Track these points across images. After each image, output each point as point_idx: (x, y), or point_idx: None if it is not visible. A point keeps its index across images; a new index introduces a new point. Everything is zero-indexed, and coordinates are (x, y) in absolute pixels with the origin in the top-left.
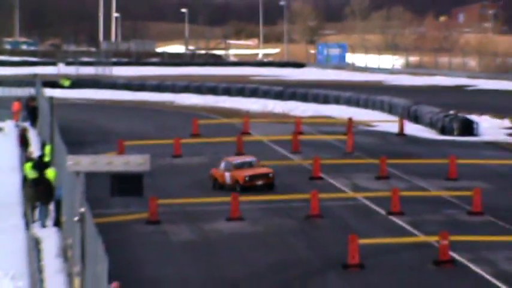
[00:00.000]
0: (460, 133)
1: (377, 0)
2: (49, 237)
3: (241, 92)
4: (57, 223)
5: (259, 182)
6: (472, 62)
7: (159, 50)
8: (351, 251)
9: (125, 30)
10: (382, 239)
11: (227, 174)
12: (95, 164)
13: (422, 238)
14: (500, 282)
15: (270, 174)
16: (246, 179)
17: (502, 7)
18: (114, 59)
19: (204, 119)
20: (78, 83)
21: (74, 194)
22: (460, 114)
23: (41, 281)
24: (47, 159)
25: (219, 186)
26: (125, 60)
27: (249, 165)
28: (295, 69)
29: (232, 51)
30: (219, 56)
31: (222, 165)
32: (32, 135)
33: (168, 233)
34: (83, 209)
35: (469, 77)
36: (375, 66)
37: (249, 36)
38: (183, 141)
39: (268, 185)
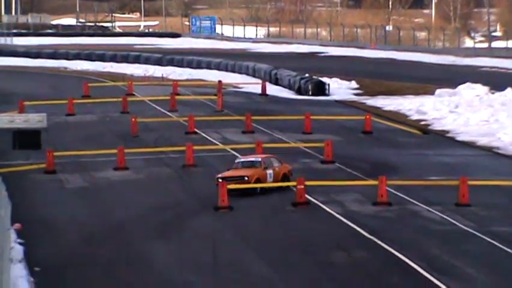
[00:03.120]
0: (314, 93)
1: None
2: None
3: (125, 59)
4: None
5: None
6: (324, 32)
7: (53, 22)
8: (221, 195)
9: (24, 5)
10: (247, 184)
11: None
12: None
13: (281, 183)
14: (347, 220)
15: (245, 178)
16: (219, 180)
17: None
18: (15, 31)
19: (93, 82)
20: None
21: None
22: (314, 77)
23: None
24: None
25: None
26: (24, 31)
27: (247, 165)
28: (172, 39)
29: (117, 24)
30: (106, 28)
31: None
32: None
33: (63, 180)
34: None
35: (321, 45)
36: (241, 36)
37: (132, 10)
38: (76, 101)
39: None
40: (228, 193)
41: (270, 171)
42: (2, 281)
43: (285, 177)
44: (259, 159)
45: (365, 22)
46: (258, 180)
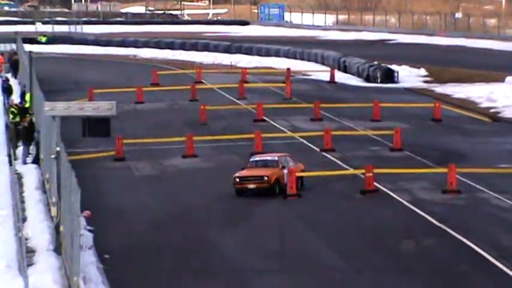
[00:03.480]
0: (382, 81)
1: None
2: (29, 173)
3: (194, 47)
4: (37, 160)
5: (251, 186)
6: (393, 20)
7: (123, 10)
8: (290, 182)
9: None
10: (316, 172)
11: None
12: (69, 109)
13: (351, 171)
14: (416, 207)
15: (265, 178)
16: (237, 180)
17: None
18: (85, 19)
19: (162, 70)
20: (53, 39)
21: (51, 135)
22: (382, 65)
23: (23, 210)
24: (27, 105)
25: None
26: (94, 19)
27: (263, 164)
28: (240, 27)
29: (186, 12)
30: (175, 16)
31: None
32: (14, 85)
33: (132, 168)
34: (58, 148)
35: (390, 32)
36: (310, 23)
37: None
38: (145, 89)
39: (261, 190)
40: (245, 193)
41: (286, 171)
42: (72, 268)
43: (300, 178)
44: (276, 158)
45: (434, 9)
46: (277, 181)
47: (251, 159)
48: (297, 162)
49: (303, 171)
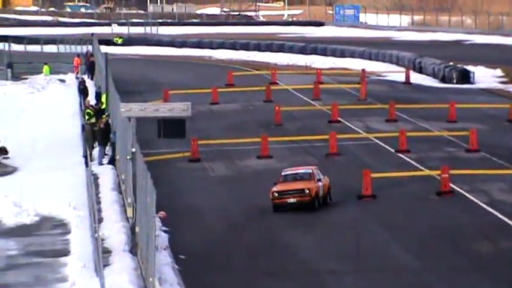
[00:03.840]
0: (458, 81)
1: None
2: (105, 174)
3: (269, 48)
4: (112, 161)
5: (291, 200)
6: (469, 20)
7: (198, 12)
8: (365, 183)
9: None
10: (392, 173)
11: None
12: (144, 110)
13: (426, 172)
14: (493, 209)
15: (306, 191)
16: (275, 195)
17: None
18: (160, 20)
19: (237, 71)
20: (129, 40)
21: (127, 136)
22: (458, 65)
23: (99, 210)
24: (103, 106)
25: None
26: (169, 21)
27: (298, 178)
28: (315, 28)
29: (261, 13)
30: (250, 17)
31: None
32: (90, 86)
33: (207, 169)
34: (134, 149)
35: (466, 33)
36: (385, 24)
37: None
38: (220, 90)
39: (302, 203)
40: (285, 207)
41: (321, 184)
42: (148, 269)
43: (329, 191)
44: (311, 171)
45: (511, 9)
46: (316, 194)
47: (283, 173)
48: (324, 175)
49: (330, 184)
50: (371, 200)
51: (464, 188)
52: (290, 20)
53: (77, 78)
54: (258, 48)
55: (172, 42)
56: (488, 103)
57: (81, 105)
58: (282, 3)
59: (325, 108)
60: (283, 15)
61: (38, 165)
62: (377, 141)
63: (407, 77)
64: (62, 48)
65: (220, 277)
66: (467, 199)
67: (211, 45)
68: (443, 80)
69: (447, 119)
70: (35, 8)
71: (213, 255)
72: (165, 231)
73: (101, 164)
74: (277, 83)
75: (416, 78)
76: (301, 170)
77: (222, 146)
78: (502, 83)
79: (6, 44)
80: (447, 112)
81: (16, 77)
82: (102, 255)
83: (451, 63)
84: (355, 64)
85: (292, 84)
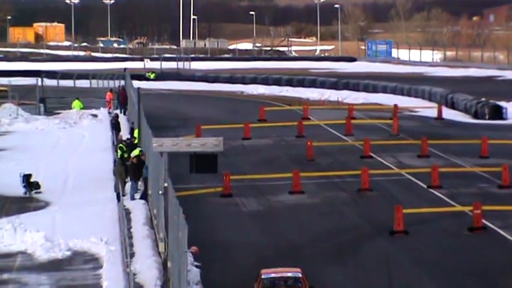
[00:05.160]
0: (490, 117)
1: (419, 2)
2: (137, 208)
3: (301, 83)
4: (145, 196)
5: None
6: (501, 56)
7: (230, 47)
8: (397, 219)
9: (202, 30)
10: (424, 208)
11: None
12: (176, 145)
13: (458, 208)
14: None
15: None
16: None
17: None
18: (193, 55)
19: (269, 106)
20: (161, 75)
21: (159, 171)
22: (490, 101)
23: (131, 245)
24: (135, 141)
25: None
26: (202, 56)
27: (289, 284)
28: (347, 63)
29: (293, 48)
30: (282, 52)
31: None
32: (123, 121)
33: (239, 204)
34: (166, 184)
35: (498, 69)
36: (417, 60)
37: (308, 34)
38: (252, 125)
39: None
40: None
41: None
42: None
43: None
44: (300, 275)
45: None
46: None
47: (263, 276)
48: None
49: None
50: (403, 235)
51: (497, 224)
52: (322, 55)
53: (109, 113)
54: (290, 83)
55: (204, 77)
56: None
57: (113, 140)
58: (314, 38)
59: (357, 143)
60: (315, 50)
61: (70, 199)
62: (409, 176)
63: (440, 112)
64: (95, 83)
65: None
66: (499, 235)
67: (244, 80)
68: (475, 115)
69: (479, 154)
70: (67, 43)
71: None
72: (196, 266)
73: (133, 198)
74: (309, 118)
75: (448, 113)
76: (289, 273)
77: (254, 181)
78: None
79: (39, 79)
80: (479, 148)
81: (49, 112)
82: None
83: (483, 99)
84: (387, 99)
85: (324, 119)
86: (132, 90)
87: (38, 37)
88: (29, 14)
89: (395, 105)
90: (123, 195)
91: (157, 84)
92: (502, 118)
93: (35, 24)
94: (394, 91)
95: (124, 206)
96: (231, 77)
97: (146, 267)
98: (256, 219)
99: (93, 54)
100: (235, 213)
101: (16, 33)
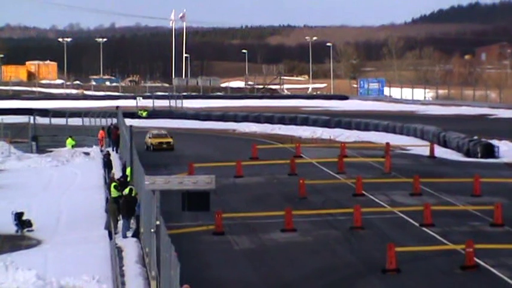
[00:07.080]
0: (483, 155)
1: (410, 41)
2: (130, 246)
3: (293, 121)
4: (137, 234)
5: None
6: (493, 94)
7: (223, 85)
8: (389, 257)
9: (194, 68)
10: (416, 247)
11: None
12: (169, 183)
13: (450, 246)
14: None
15: None
16: None
17: None
18: (185, 93)
19: (261, 144)
20: (154, 113)
21: (151, 209)
22: (482, 139)
23: (123, 283)
24: (128, 179)
25: None
26: (194, 94)
27: None
28: (340, 101)
29: (285, 86)
30: (274, 90)
31: None
32: (115, 159)
33: (231, 242)
34: (158, 222)
35: (490, 107)
36: (409, 98)
37: (300, 72)
38: (244, 163)
39: None
40: None
41: None
42: None
43: None
44: None
45: None
46: None
47: None
48: None
49: None
50: (395, 273)
51: (489, 262)
52: (314, 93)
53: (101, 151)
54: (282, 121)
55: (196, 115)
56: None
57: (105, 178)
58: (306, 76)
59: (350, 181)
60: (308, 88)
61: (62, 238)
62: (401, 214)
63: (432, 150)
64: (87, 121)
65: None
66: (491, 274)
67: (236, 118)
68: (467, 154)
69: (471, 193)
70: (60, 81)
71: None
72: None
73: (125, 236)
74: (302, 156)
75: (440, 152)
76: None
77: (246, 219)
78: None
79: (32, 117)
80: (471, 186)
81: (41, 150)
82: None
83: (476, 137)
84: (380, 137)
85: (316, 157)
86: (125, 128)
87: (31, 75)
88: (21, 53)
89: (388, 144)
90: (116, 233)
91: (149, 122)
92: (494, 156)
93: (27, 63)
94: (386, 129)
95: (116, 244)
96: (223, 115)
97: None
98: (248, 257)
99: (86, 92)
100: (228, 251)
101: (8, 72)
